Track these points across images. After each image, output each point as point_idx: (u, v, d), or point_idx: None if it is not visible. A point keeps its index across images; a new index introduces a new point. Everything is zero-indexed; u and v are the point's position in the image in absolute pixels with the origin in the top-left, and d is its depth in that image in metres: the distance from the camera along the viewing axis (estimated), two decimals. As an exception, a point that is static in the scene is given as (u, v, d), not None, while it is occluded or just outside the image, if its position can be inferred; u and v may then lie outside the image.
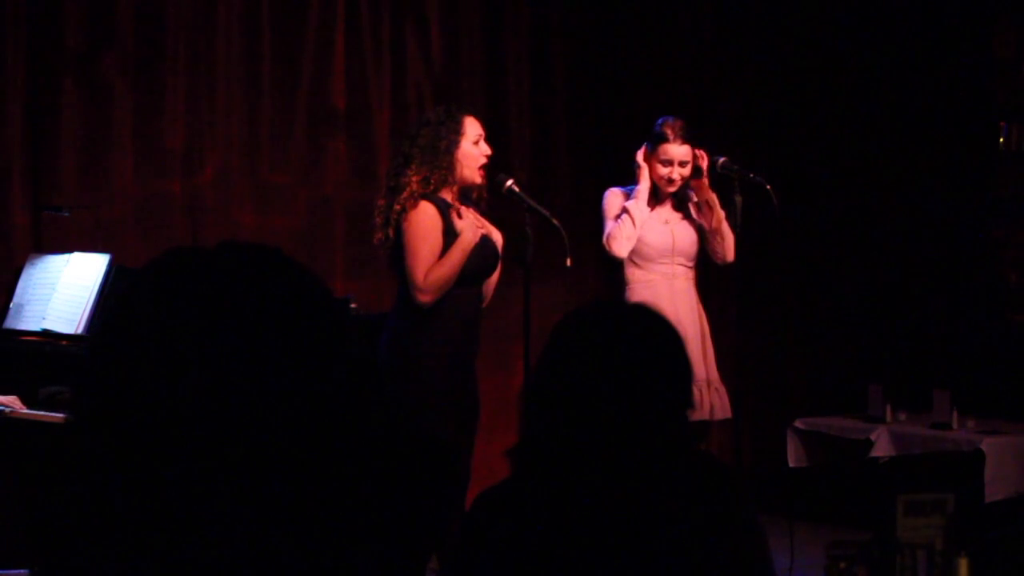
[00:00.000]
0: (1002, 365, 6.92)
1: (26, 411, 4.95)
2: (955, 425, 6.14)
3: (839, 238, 7.37)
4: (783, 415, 6.75)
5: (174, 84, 6.14)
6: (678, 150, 5.38)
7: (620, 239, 5.39)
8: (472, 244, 4.79)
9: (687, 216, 5.51)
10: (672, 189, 5.44)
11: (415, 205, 4.78)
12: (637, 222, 5.37)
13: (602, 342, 2.20)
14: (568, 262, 5.00)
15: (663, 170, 5.39)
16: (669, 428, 2.19)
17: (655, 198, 5.48)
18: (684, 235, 5.47)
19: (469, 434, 4.89)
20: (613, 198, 5.51)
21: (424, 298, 4.76)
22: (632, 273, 5.43)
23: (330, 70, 6.54)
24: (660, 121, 5.48)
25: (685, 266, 5.47)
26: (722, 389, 5.44)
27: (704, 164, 5.42)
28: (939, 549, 4.72)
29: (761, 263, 6.83)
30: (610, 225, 5.47)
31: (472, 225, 4.81)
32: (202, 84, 6.21)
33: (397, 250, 4.83)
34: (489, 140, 4.99)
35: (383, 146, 6.54)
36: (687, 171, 5.42)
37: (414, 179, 4.78)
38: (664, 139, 5.39)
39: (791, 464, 6.57)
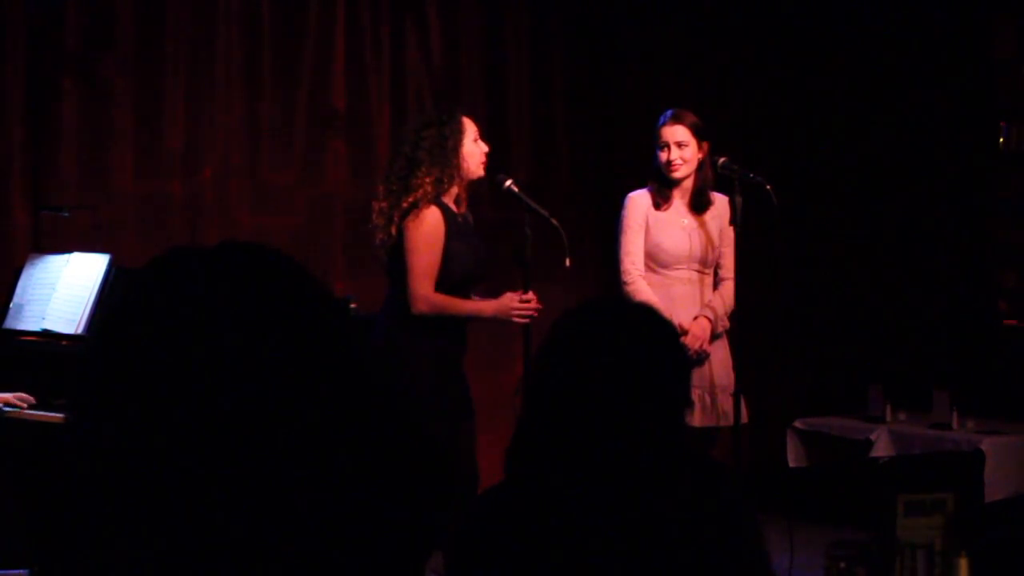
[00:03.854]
0: (1002, 365, 6.92)
1: (29, 411, 4.95)
2: (955, 425, 6.14)
3: (839, 238, 7.37)
4: (783, 415, 6.75)
5: (174, 84, 6.14)
6: (671, 131, 5.31)
7: (640, 296, 5.31)
8: (487, 318, 4.87)
9: (705, 219, 5.42)
10: (676, 174, 5.32)
11: (424, 209, 4.77)
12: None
13: (600, 339, 2.19)
14: (568, 262, 5.00)
15: (661, 155, 5.34)
16: (667, 427, 2.18)
17: (670, 189, 5.38)
18: (701, 240, 5.35)
19: (468, 433, 4.89)
20: (634, 208, 5.38)
21: (421, 308, 4.77)
22: (646, 277, 5.39)
23: (330, 70, 6.54)
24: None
25: (699, 271, 5.41)
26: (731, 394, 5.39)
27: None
28: (939, 549, 4.71)
29: (761, 263, 6.83)
30: (628, 241, 5.36)
31: (510, 312, 4.85)
32: (202, 84, 6.21)
33: (398, 251, 4.81)
34: (489, 140, 4.99)
35: (383, 146, 6.54)
36: (688, 155, 5.32)
37: (427, 180, 4.77)
38: (660, 124, 5.35)
39: (791, 464, 6.57)
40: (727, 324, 5.42)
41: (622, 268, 5.37)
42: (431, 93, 6.74)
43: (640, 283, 5.32)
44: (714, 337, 5.37)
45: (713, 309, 5.37)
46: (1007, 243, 7.11)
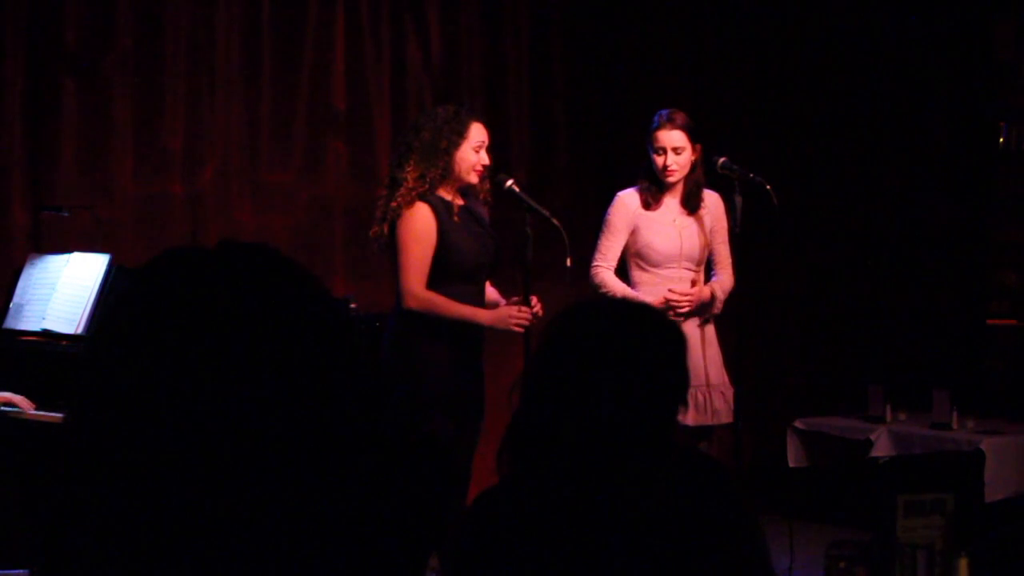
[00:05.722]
0: (1002, 366, 6.92)
1: (30, 412, 4.95)
2: (955, 425, 6.14)
3: (839, 238, 7.37)
4: (783, 415, 6.75)
5: (174, 84, 6.13)
6: (667, 136, 5.32)
7: (607, 288, 5.36)
8: (483, 325, 4.85)
9: (696, 217, 5.43)
10: (671, 179, 5.34)
11: (411, 205, 4.79)
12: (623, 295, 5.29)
13: (598, 338, 2.19)
14: (568, 262, 5.00)
15: (657, 159, 5.35)
16: (662, 426, 2.18)
17: (661, 191, 5.40)
18: (692, 238, 5.38)
19: (471, 433, 4.89)
20: (621, 209, 5.41)
21: (410, 304, 4.78)
22: (637, 276, 5.40)
23: (330, 70, 6.53)
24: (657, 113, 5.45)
25: (691, 270, 5.42)
26: (728, 393, 5.40)
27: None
28: (939, 549, 4.71)
29: (761, 263, 6.83)
30: (604, 244, 5.41)
31: (508, 322, 4.83)
32: (202, 84, 6.21)
33: (391, 247, 4.85)
34: (489, 140, 4.99)
35: (383, 146, 6.54)
36: (683, 159, 5.34)
37: (411, 175, 4.81)
38: (655, 127, 5.36)
39: (791, 464, 6.57)
40: (720, 308, 5.44)
41: (592, 262, 5.42)
42: (431, 93, 6.74)
43: (605, 274, 5.39)
44: (704, 322, 5.39)
45: (722, 285, 5.42)
46: (1007, 243, 7.12)
